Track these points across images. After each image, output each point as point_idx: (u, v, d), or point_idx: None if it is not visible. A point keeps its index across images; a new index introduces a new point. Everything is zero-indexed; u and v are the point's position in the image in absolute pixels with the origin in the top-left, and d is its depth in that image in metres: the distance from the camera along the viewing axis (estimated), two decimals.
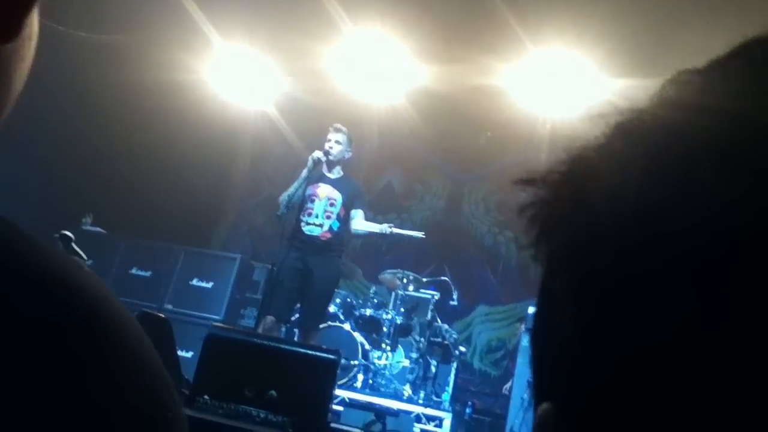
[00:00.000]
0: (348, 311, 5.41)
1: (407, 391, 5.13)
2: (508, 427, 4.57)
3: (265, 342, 3.53)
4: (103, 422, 0.32)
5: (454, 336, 5.50)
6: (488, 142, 6.83)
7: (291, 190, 4.54)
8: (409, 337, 5.48)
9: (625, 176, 0.27)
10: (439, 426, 4.85)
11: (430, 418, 4.86)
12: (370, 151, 6.72)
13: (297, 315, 4.70)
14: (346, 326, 5.26)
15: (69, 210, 5.72)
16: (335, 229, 4.57)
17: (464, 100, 5.94)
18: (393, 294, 5.56)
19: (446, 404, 5.22)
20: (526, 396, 4.53)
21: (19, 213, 5.32)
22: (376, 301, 5.57)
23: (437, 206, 7.32)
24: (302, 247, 4.51)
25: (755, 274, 0.23)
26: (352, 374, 5.04)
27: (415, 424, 4.61)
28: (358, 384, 5.06)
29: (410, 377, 5.26)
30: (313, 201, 4.56)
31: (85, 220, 5.95)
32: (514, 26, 4.77)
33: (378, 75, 5.89)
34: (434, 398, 5.21)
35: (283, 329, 4.89)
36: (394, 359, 5.33)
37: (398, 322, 5.32)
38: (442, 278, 5.63)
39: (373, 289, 5.85)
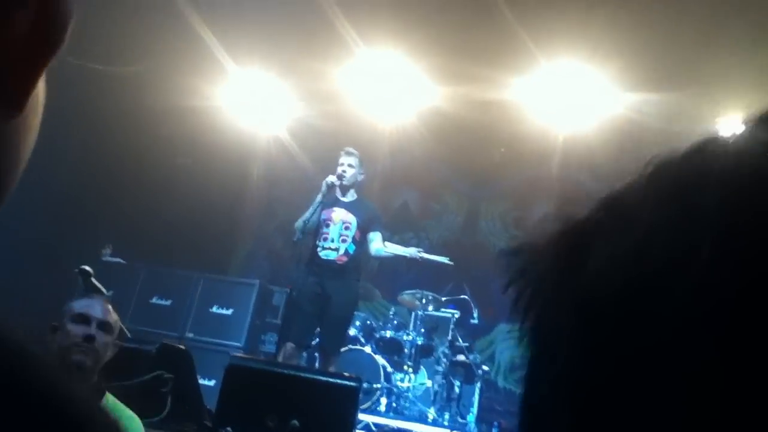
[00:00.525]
0: (368, 334, 5.37)
1: (431, 413, 5.07)
2: None
3: (286, 371, 3.51)
4: None
5: (478, 358, 5.44)
6: (502, 158, 6.80)
7: (306, 215, 4.55)
8: (431, 358, 5.43)
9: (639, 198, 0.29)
10: None
11: None
12: (383, 171, 6.73)
13: (317, 339, 4.68)
14: (367, 349, 5.22)
15: (88, 241, 5.78)
16: (351, 252, 4.57)
17: (477, 117, 5.93)
18: (413, 314, 5.52)
19: (472, 425, 5.14)
20: None
21: (38, 246, 5.38)
22: (396, 322, 5.53)
23: (454, 224, 7.28)
24: (319, 272, 4.50)
25: (758, 282, 0.24)
26: (375, 398, 4.99)
27: None
28: (382, 408, 5.01)
29: (434, 399, 5.20)
30: (328, 225, 4.57)
31: (104, 251, 6.00)
32: (526, 41, 4.76)
33: (390, 96, 5.91)
34: (459, 419, 5.14)
35: (304, 354, 4.88)
36: (416, 381, 5.27)
37: (419, 342, 5.28)
38: (462, 297, 5.57)
39: (392, 310, 5.81)
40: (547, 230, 0.32)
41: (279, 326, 5.28)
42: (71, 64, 4.93)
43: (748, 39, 4.22)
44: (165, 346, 3.45)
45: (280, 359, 4.29)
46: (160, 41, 5.36)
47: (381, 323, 5.56)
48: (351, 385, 3.26)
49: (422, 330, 5.36)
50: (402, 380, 5.19)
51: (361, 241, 4.62)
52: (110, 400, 2.33)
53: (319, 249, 4.54)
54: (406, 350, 5.25)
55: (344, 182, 4.59)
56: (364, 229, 4.63)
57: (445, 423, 4.96)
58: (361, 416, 4.42)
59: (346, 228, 4.59)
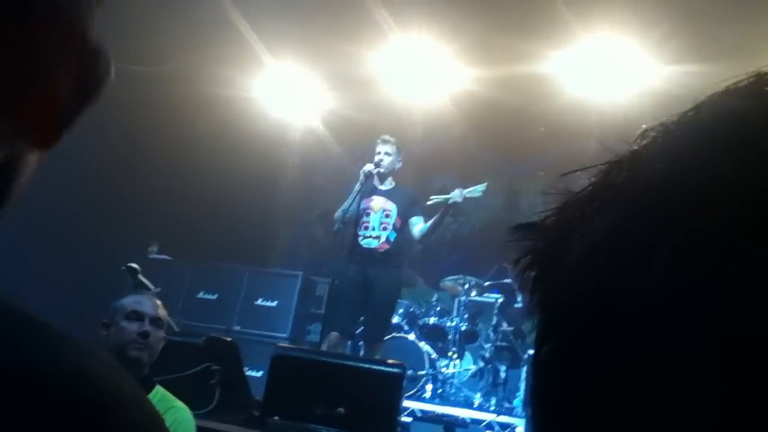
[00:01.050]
0: (412, 321, 5.38)
1: (478, 398, 5.05)
2: None
3: (331, 359, 3.55)
4: None
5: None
6: (540, 136, 6.69)
7: (345, 205, 4.57)
8: (476, 343, 5.40)
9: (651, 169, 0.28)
10: None
11: (503, 426, 4.76)
12: (420, 157, 6.69)
13: (361, 328, 4.70)
14: (411, 336, 5.23)
15: (135, 239, 5.93)
16: (392, 239, 4.57)
17: (513, 95, 5.82)
18: (456, 300, 5.50)
19: (519, 410, 5.10)
20: None
21: (86, 248, 5.55)
22: (439, 308, 5.51)
23: (495, 205, 7.19)
24: (361, 261, 4.53)
25: (752, 275, 0.23)
26: (420, 385, 5.00)
27: None
28: (427, 394, 5.02)
29: (480, 384, 5.18)
30: (368, 214, 4.58)
31: (151, 249, 6.15)
32: (563, 12, 4.64)
33: (424, 79, 5.86)
34: (506, 404, 5.11)
35: (349, 343, 4.91)
36: (461, 367, 5.26)
37: (463, 328, 5.25)
38: (506, 281, 5.52)
39: (435, 296, 5.80)
40: (550, 206, 0.32)
41: (323, 316, 5.33)
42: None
43: None
44: (211, 339, 3.53)
45: (324, 348, 4.33)
46: (196, 35, 5.44)
47: (424, 310, 5.56)
48: (395, 372, 3.27)
49: (466, 316, 5.33)
50: (447, 366, 5.18)
51: (401, 228, 4.62)
52: (160, 392, 2.39)
53: (360, 238, 4.56)
54: (450, 336, 5.24)
55: (382, 170, 4.59)
56: (404, 216, 4.62)
57: (492, 408, 4.94)
58: (407, 403, 4.43)
59: (387, 216, 4.60)
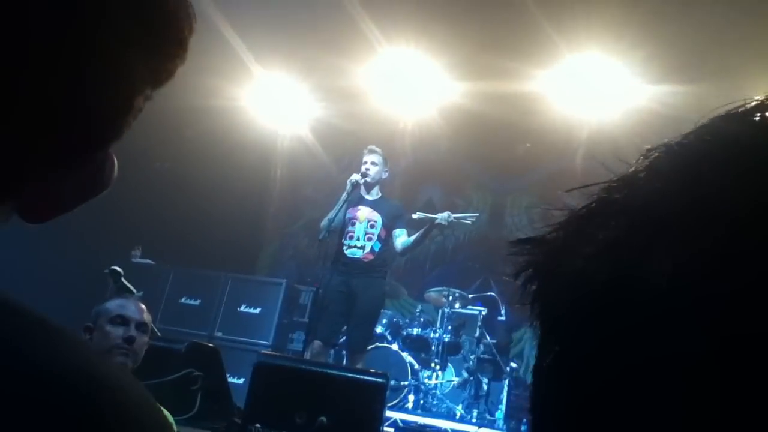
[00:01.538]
0: (395, 331, 5.37)
1: (460, 410, 5.05)
2: None
3: (313, 368, 3.53)
4: None
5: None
6: (526, 152, 6.75)
7: (331, 214, 4.57)
8: (459, 355, 5.41)
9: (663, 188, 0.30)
10: None
11: None
12: (407, 169, 6.72)
13: (344, 337, 4.69)
14: (394, 346, 5.23)
15: (119, 242, 5.88)
16: (377, 250, 4.58)
17: (500, 111, 5.88)
18: (440, 312, 5.51)
19: (500, 422, 5.11)
20: None
21: (69, 249, 5.49)
22: (422, 319, 5.52)
23: (480, 219, 7.24)
24: (346, 270, 4.52)
25: (750, 277, 0.24)
26: (402, 395, 4.99)
27: None
28: (410, 405, 5.01)
29: (462, 396, 5.18)
30: (353, 224, 4.58)
31: (134, 253, 6.10)
32: (550, 32, 4.71)
33: (411, 92, 5.90)
34: (488, 416, 5.12)
35: (332, 353, 4.90)
36: (444, 378, 5.26)
37: (446, 340, 5.26)
38: (489, 294, 5.54)
39: (419, 307, 5.81)
40: (552, 222, 0.33)
41: (306, 325, 5.31)
42: None
43: None
44: (194, 344, 3.50)
45: (307, 357, 4.32)
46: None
47: (408, 321, 5.56)
48: (379, 382, 3.26)
49: (449, 327, 5.34)
50: (429, 377, 5.18)
51: (386, 239, 4.62)
52: None
53: (345, 247, 4.56)
54: (433, 347, 5.25)
55: (368, 180, 4.60)
56: (389, 227, 4.63)
57: (474, 420, 4.94)
58: (389, 413, 4.42)
59: (372, 226, 4.60)
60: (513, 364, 5.47)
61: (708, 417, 0.23)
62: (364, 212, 4.62)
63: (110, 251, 5.34)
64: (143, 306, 2.41)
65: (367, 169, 4.60)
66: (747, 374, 0.23)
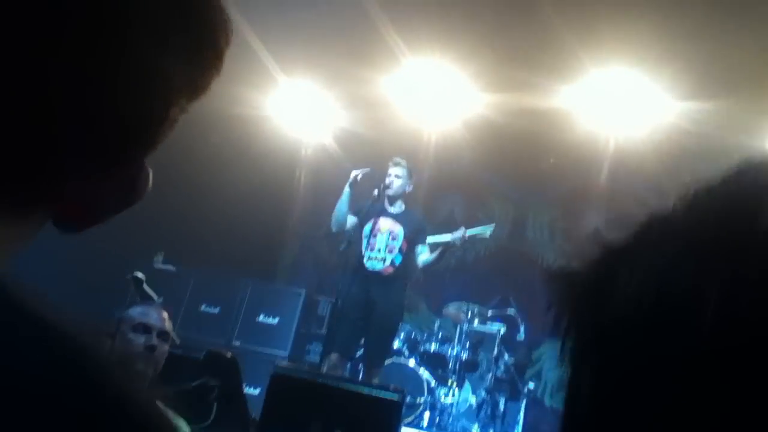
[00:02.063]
0: (413, 346, 5.34)
1: (475, 429, 4.99)
2: None
3: (329, 381, 3.52)
4: None
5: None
6: (550, 166, 6.70)
7: (339, 207, 4.62)
8: (476, 373, 5.35)
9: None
10: None
11: None
12: (429, 179, 6.70)
13: (362, 350, 4.67)
14: (411, 362, 5.19)
15: (142, 248, 5.93)
16: (398, 263, 4.56)
17: (524, 125, 5.85)
18: (458, 328, 5.46)
19: None
20: None
21: (95, 254, 5.55)
22: (441, 335, 5.48)
23: (501, 233, 7.18)
24: (365, 282, 4.52)
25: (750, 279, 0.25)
26: (418, 412, 4.95)
27: None
28: (425, 422, 4.96)
29: (478, 415, 5.12)
30: (375, 236, 4.58)
31: (156, 258, 6.15)
32: (575, 47, 4.67)
33: (436, 104, 5.90)
34: None
35: (348, 365, 4.88)
36: (460, 396, 5.20)
37: (464, 357, 5.21)
38: (508, 313, 5.48)
39: (437, 322, 5.77)
40: (588, 254, 0.34)
41: (324, 336, 5.30)
42: None
43: None
44: (212, 353, 3.50)
45: (324, 370, 4.30)
46: None
47: (425, 336, 5.52)
48: (395, 399, 3.24)
49: (467, 344, 5.29)
50: (446, 395, 5.13)
51: (407, 252, 4.61)
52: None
53: (365, 258, 4.55)
54: (450, 364, 5.20)
55: (390, 193, 4.60)
56: (411, 240, 4.62)
57: None
58: (404, 430, 4.38)
59: (393, 239, 4.59)
60: (531, 385, 5.40)
61: (708, 416, 0.24)
62: (386, 224, 4.61)
63: (134, 256, 5.38)
64: (165, 314, 2.42)
65: (391, 182, 4.60)
66: (747, 374, 0.24)
